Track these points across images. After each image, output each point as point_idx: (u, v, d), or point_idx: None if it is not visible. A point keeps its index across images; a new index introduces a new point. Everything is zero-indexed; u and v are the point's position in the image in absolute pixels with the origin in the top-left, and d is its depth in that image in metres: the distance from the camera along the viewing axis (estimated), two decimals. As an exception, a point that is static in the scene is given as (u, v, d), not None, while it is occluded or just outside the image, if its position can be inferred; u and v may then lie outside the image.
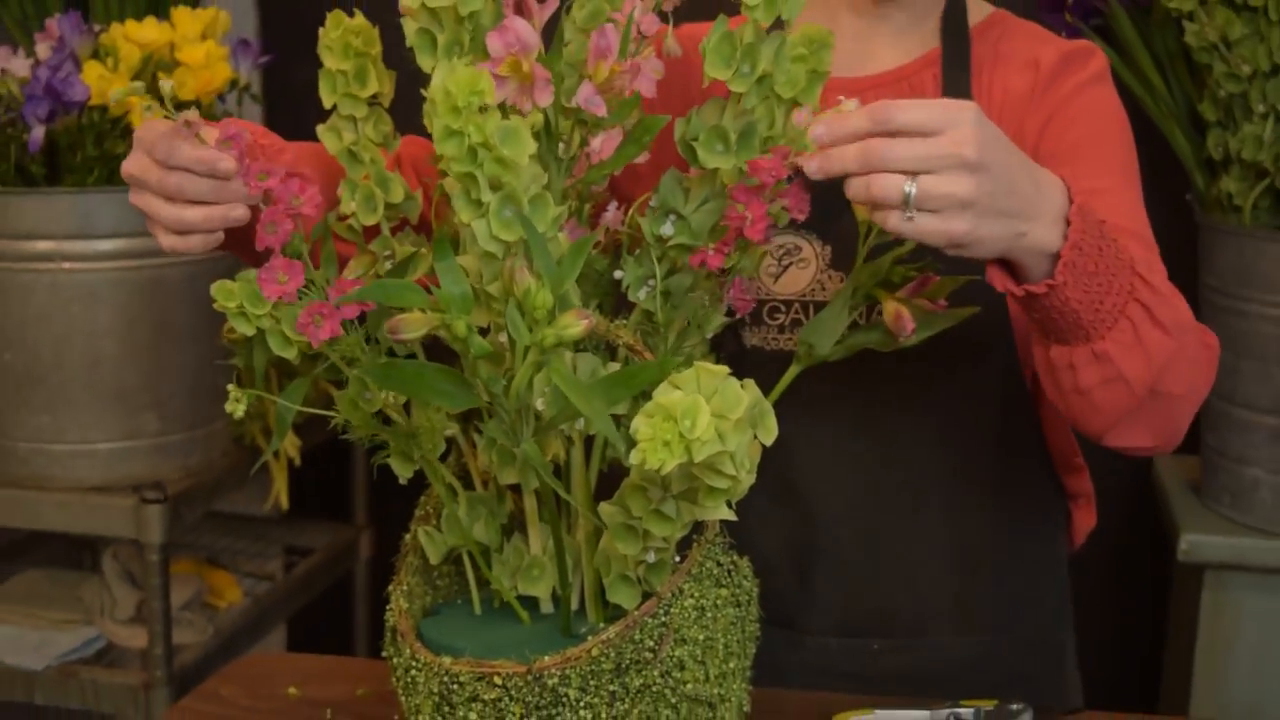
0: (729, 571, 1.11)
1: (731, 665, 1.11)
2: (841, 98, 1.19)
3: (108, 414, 2.00)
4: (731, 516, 1.00)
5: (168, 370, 2.01)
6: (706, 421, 0.91)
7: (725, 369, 0.94)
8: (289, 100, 2.46)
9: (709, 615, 1.08)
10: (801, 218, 1.11)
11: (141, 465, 2.02)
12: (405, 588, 1.16)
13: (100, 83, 1.87)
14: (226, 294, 1.08)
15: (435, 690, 1.07)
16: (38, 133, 1.85)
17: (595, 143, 1.09)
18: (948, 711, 1.29)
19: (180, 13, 1.98)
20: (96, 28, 1.99)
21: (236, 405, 1.12)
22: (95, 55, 1.94)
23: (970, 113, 0.98)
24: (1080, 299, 1.08)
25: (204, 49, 1.94)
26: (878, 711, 1.29)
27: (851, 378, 1.33)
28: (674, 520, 1.02)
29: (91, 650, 2.12)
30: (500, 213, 0.96)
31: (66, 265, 1.93)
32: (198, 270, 2.00)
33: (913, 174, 0.97)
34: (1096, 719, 1.30)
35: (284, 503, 2.32)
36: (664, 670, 1.05)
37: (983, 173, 0.98)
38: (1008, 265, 1.08)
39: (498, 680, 1.04)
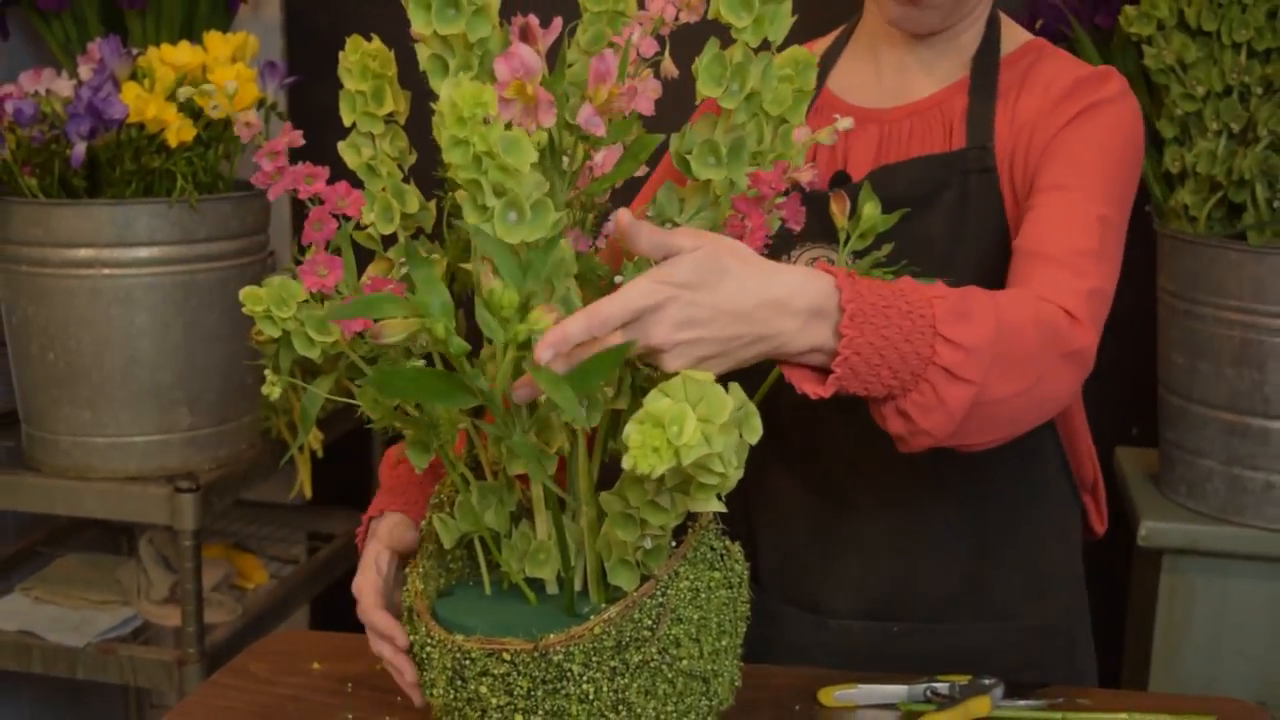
0: (721, 556, 1.12)
1: (724, 643, 1.11)
2: (837, 116, 1.19)
3: (144, 409, 2.00)
4: (722, 508, 1.00)
5: (199, 368, 2.01)
6: (693, 427, 0.91)
7: (710, 375, 0.94)
8: (313, 118, 2.44)
9: (703, 596, 1.08)
10: (798, 228, 1.11)
11: (175, 457, 2.02)
12: (421, 570, 1.16)
13: (138, 102, 1.87)
14: (254, 299, 1.08)
15: (449, 665, 1.08)
16: (79, 148, 1.85)
17: (598, 158, 1.10)
18: (925, 686, 1.29)
19: (212, 37, 1.99)
20: (134, 51, 1.99)
21: (272, 389, 1.12)
22: (133, 76, 1.95)
23: (680, 279, 0.98)
24: (869, 383, 1.06)
25: (234, 70, 1.94)
26: (860, 686, 1.30)
27: None
28: (668, 510, 1.02)
29: (129, 629, 2.12)
30: (504, 217, 0.96)
31: (106, 271, 1.93)
32: (227, 275, 2.00)
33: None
34: (1062, 693, 1.30)
35: (307, 492, 2.32)
36: (661, 647, 1.05)
37: (673, 349, 0.98)
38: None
39: (506, 656, 1.04)
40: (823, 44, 1.49)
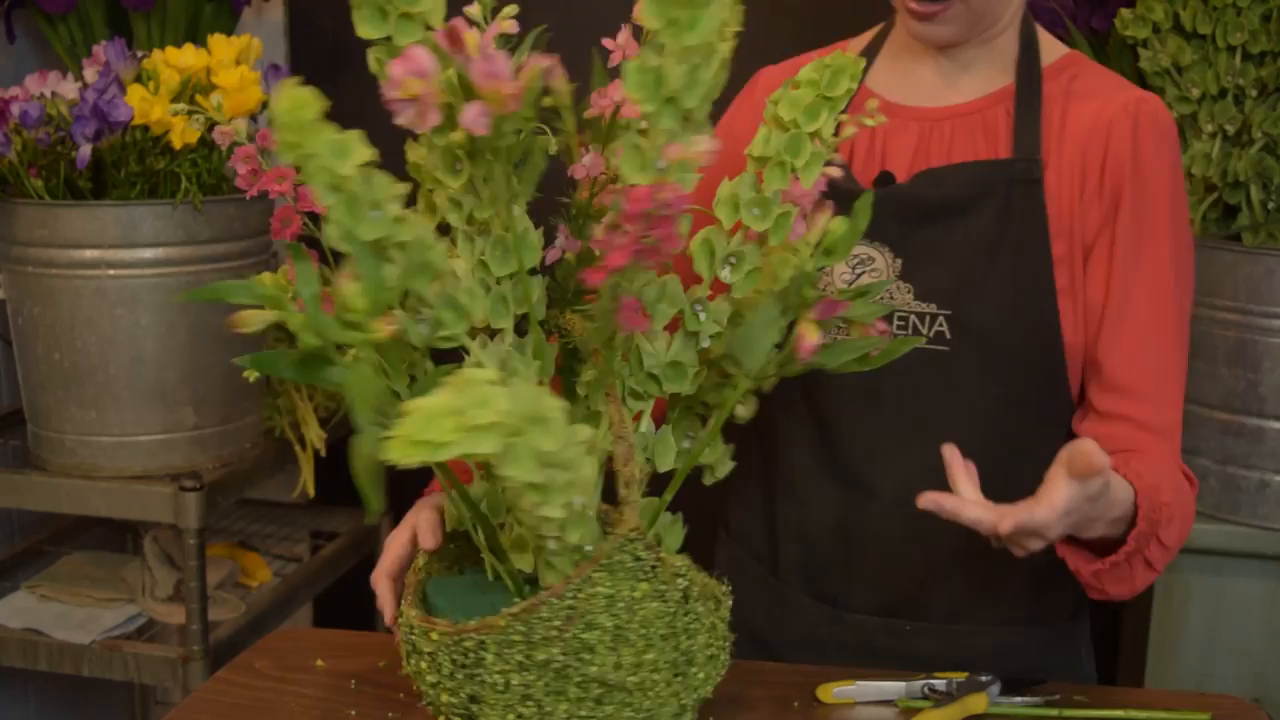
0: (652, 568, 1.07)
1: (651, 656, 1.07)
2: (869, 102, 1.18)
3: (149, 409, 2.00)
4: (560, 515, 0.99)
5: (203, 368, 2.01)
6: (450, 425, 0.87)
7: (491, 373, 0.91)
8: (316, 120, 2.46)
9: (622, 605, 1.05)
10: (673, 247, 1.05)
11: (179, 456, 2.02)
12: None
13: (143, 104, 1.87)
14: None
15: (405, 638, 1.12)
16: (85, 150, 1.85)
17: (585, 159, 1.10)
18: (923, 683, 1.29)
19: (216, 40, 1.98)
20: (139, 54, 1.99)
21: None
22: (138, 79, 1.94)
23: (1058, 517, 1.13)
24: (1119, 574, 1.26)
25: (238, 73, 1.94)
26: (859, 683, 1.30)
27: (912, 380, 1.35)
28: (531, 512, 1.00)
29: (134, 626, 2.12)
30: (340, 217, 0.97)
31: (111, 272, 1.93)
32: (231, 276, 2.00)
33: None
34: (1059, 689, 1.30)
35: (310, 490, 2.32)
36: (569, 650, 1.04)
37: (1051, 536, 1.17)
38: None
39: (434, 635, 1.07)
40: (861, 41, 1.50)
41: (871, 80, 1.45)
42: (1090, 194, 1.34)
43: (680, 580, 1.09)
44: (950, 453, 1.17)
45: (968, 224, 1.34)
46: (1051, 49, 1.42)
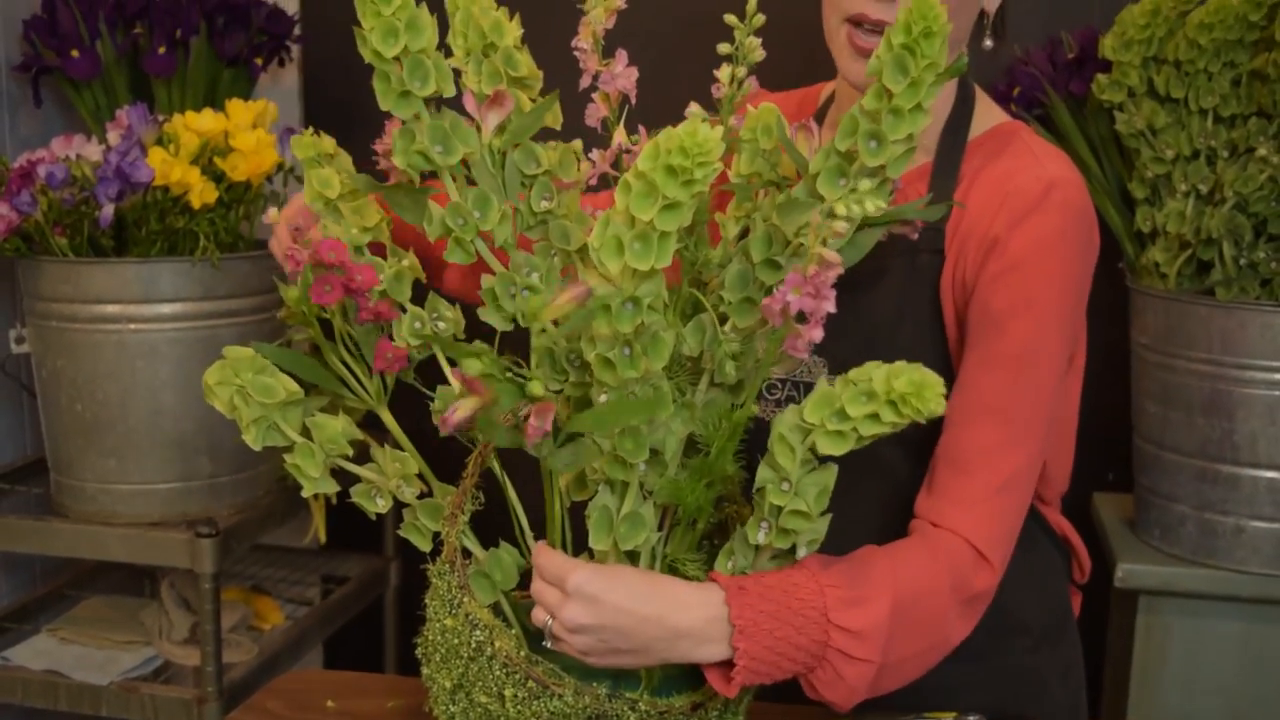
0: None
1: None
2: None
3: (166, 458, 1.99)
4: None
5: (220, 419, 1.99)
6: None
7: None
8: (329, 181, 2.46)
9: None
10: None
11: (196, 503, 2.02)
12: None
13: (163, 166, 1.88)
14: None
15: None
16: (108, 210, 1.86)
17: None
18: (912, 721, 1.28)
19: (234, 104, 2.00)
20: (160, 118, 2.00)
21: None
22: (159, 142, 1.95)
23: (571, 586, 1.08)
24: (774, 676, 1.11)
25: (255, 136, 1.95)
26: (850, 723, 1.29)
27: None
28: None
29: (150, 668, 2.10)
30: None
31: (132, 326, 1.93)
32: (247, 330, 2.00)
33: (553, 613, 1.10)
34: (1044, 728, 1.29)
35: (322, 536, 2.30)
36: None
37: (586, 634, 1.09)
38: None
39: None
40: (826, 90, 1.46)
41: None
42: (974, 262, 1.26)
43: None
44: None
45: (871, 296, 1.29)
46: (987, 117, 1.34)
